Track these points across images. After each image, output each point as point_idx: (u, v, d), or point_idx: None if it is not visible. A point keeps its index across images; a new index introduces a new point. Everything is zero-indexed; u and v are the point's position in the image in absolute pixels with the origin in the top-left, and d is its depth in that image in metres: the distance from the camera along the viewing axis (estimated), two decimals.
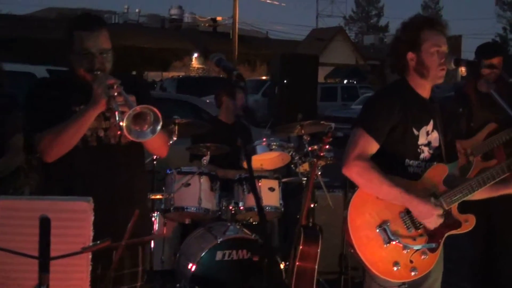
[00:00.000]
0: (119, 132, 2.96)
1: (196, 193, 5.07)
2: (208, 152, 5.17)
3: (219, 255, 4.84)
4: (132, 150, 3.03)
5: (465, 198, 3.12)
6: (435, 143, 3.27)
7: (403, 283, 3.10)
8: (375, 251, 3.02)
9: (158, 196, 5.11)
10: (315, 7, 54.48)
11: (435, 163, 3.22)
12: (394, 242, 3.01)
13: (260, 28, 54.16)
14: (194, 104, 7.77)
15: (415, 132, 3.19)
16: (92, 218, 2.05)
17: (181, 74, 34.85)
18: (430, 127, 3.24)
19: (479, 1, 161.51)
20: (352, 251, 3.10)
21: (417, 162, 3.22)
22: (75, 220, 2.05)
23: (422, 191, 3.09)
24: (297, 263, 4.38)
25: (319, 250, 4.37)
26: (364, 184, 3.06)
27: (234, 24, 36.77)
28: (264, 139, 5.30)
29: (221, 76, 32.75)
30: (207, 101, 19.25)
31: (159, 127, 2.69)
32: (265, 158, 5.28)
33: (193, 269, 4.75)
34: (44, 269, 2.06)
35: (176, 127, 5.11)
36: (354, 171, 3.05)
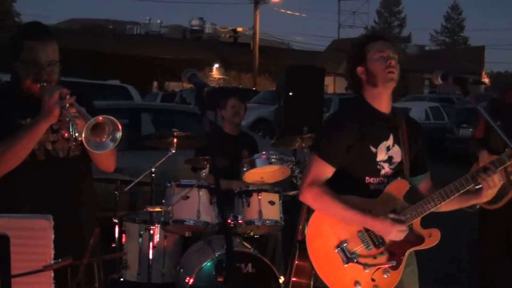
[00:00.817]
0: (73, 144, 2.91)
1: (195, 206, 5.01)
2: (207, 165, 5.14)
3: (216, 269, 4.79)
4: (80, 164, 2.98)
5: (428, 212, 3.03)
6: (397, 158, 3.20)
7: None
8: (335, 271, 3.00)
9: (157, 209, 5.08)
10: (336, 18, 53.93)
11: (395, 179, 3.15)
12: (353, 262, 2.98)
13: (281, 38, 54.06)
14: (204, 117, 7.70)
15: (373, 149, 3.13)
16: (53, 236, 2.01)
17: None
18: (390, 141, 3.18)
19: (502, 12, 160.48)
20: (313, 272, 3.08)
21: (378, 179, 3.16)
22: (35, 238, 2.01)
23: (382, 207, 3.04)
24: (292, 279, 4.30)
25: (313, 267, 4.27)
26: (320, 208, 3.06)
27: (254, 34, 36.97)
28: (264, 153, 5.27)
29: (240, 86, 32.92)
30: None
31: (118, 135, 2.63)
32: (265, 172, 5.23)
33: (190, 282, 4.70)
34: (6, 287, 2.03)
35: (175, 140, 5.10)
36: (308, 197, 3.07)
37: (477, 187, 3.00)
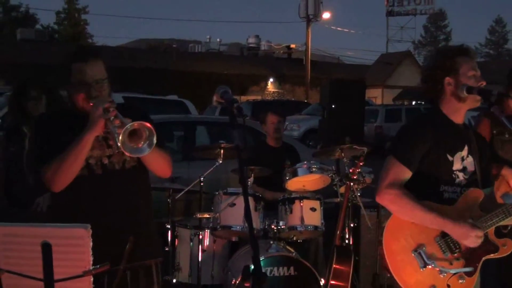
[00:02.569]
0: (128, 156, 2.87)
1: (240, 212, 5.02)
2: (252, 174, 5.16)
3: None
4: (137, 174, 2.96)
5: (502, 223, 2.95)
6: (471, 168, 3.11)
7: None
8: (412, 275, 2.88)
9: (206, 215, 5.12)
10: (385, 33, 53.29)
11: (471, 188, 3.05)
12: (430, 266, 2.86)
13: (332, 53, 53.75)
14: (252, 128, 7.75)
15: (449, 158, 3.04)
16: (91, 243, 2.03)
17: (258, 97, 35.07)
18: (465, 152, 3.09)
19: None
20: (389, 275, 2.95)
21: (453, 188, 3.06)
22: (75, 246, 2.03)
23: (457, 215, 2.93)
24: (330, 282, 4.27)
25: (351, 270, 4.23)
26: (398, 211, 2.94)
27: (307, 50, 36.76)
28: (305, 162, 5.25)
29: (292, 99, 32.83)
30: (286, 122, 19.58)
31: (154, 140, 2.63)
32: (307, 180, 5.21)
33: (236, 285, 4.71)
34: None
35: (222, 151, 5.13)
36: (386, 199, 2.94)
37: None
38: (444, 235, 2.91)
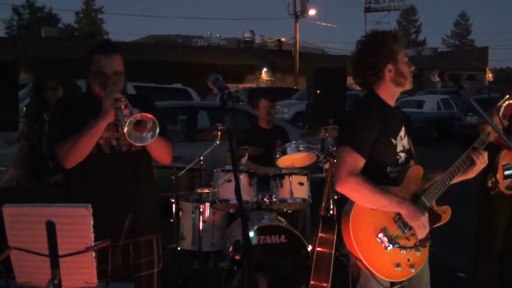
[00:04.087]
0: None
1: None
2: (246, 153, 5.04)
3: (254, 240, 4.66)
4: (141, 157, 2.85)
5: (441, 192, 2.83)
6: (407, 146, 2.96)
7: (403, 281, 2.84)
8: (379, 258, 2.72)
9: (206, 190, 5.02)
10: (363, 28, 52.88)
11: (410, 164, 2.91)
12: (393, 247, 2.72)
13: (317, 46, 53.39)
14: (247, 112, 7.62)
15: (393, 141, 2.87)
16: (92, 222, 1.90)
17: (253, 85, 34.89)
18: (402, 132, 2.93)
19: (505, 16, 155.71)
20: (357, 261, 2.76)
21: (397, 168, 2.88)
22: (77, 224, 1.91)
23: (405, 193, 2.79)
24: (316, 249, 4.15)
25: (335, 238, 4.12)
26: (359, 198, 2.72)
27: (295, 43, 36.58)
28: (294, 142, 5.14)
29: (283, 86, 32.72)
30: (277, 106, 19.60)
31: (157, 131, 2.54)
32: (295, 158, 5.10)
33: (232, 251, 4.61)
34: (55, 265, 1.94)
35: (219, 133, 5.01)
36: (347, 188, 2.71)
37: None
38: (400, 216, 2.75)
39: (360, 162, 2.74)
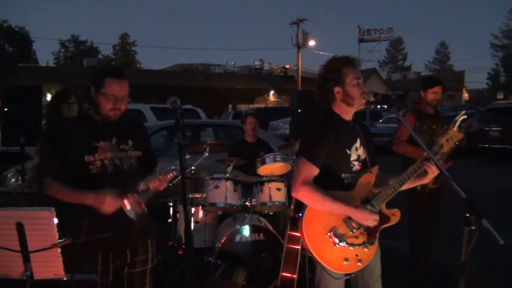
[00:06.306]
0: (134, 161, 2.74)
1: (223, 193, 4.92)
2: (231, 163, 5.04)
3: (237, 238, 4.66)
4: (138, 174, 2.74)
5: (391, 197, 2.77)
6: (363, 156, 2.90)
7: (352, 273, 2.82)
8: (328, 253, 2.70)
9: (197, 195, 5.02)
10: (357, 55, 52.88)
11: (364, 172, 2.86)
12: (341, 244, 2.70)
13: (317, 72, 53.33)
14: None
15: (348, 151, 2.82)
16: (55, 222, 1.90)
17: (262, 105, 34.94)
18: (358, 144, 2.87)
19: (479, 44, 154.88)
20: (310, 255, 2.77)
21: (351, 175, 2.84)
22: (42, 224, 1.91)
23: (357, 198, 2.77)
24: (286, 245, 4.12)
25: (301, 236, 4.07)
26: (312, 204, 2.71)
27: (298, 70, 36.61)
28: (271, 153, 5.12)
29: (287, 106, 32.78)
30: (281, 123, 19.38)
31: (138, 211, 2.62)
32: (274, 167, 5.06)
33: (219, 247, 4.61)
34: (26, 260, 1.94)
35: (208, 147, 5.02)
36: (301, 195, 2.70)
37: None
38: (350, 217, 2.73)
39: (314, 171, 2.72)
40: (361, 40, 56.30)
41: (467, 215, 2.10)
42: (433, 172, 2.71)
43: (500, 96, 42.69)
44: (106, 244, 2.45)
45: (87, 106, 2.74)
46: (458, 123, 2.68)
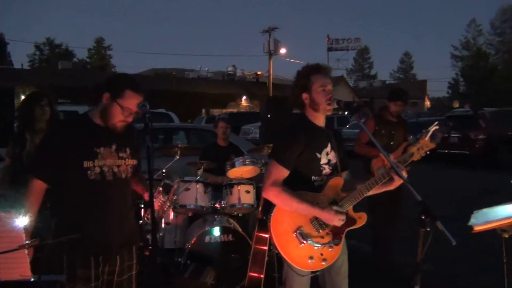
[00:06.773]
0: (130, 169, 2.69)
1: (193, 195, 4.89)
2: (202, 166, 5.01)
3: (207, 239, 4.64)
4: (130, 182, 2.73)
5: (358, 201, 2.79)
6: (334, 160, 2.93)
7: (317, 271, 2.84)
8: (294, 251, 2.72)
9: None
10: (326, 63, 53.29)
11: (333, 176, 2.87)
12: (306, 242, 2.72)
13: (287, 78, 53.68)
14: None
15: (318, 155, 2.84)
16: (22, 226, 1.87)
17: (234, 110, 34.89)
18: (328, 148, 2.89)
19: (440, 55, 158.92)
20: (276, 252, 2.77)
21: (321, 177, 2.86)
22: (7, 227, 1.87)
23: (325, 199, 2.78)
24: (254, 246, 4.11)
25: (268, 237, 4.08)
26: (280, 203, 2.73)
27: (269, 76, 36.70)
28: (241, 157, 5.11)
29: (258, 111, 32.83)
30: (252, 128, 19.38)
31: None
32: (243, 170, 5.06)
33: (189, 248, 4.57)
34: None
35: (179, 150, 4.98)
36: (271, 195, 2.72)
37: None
38: (316, 218, 2.76)
39: (284, 173, 2.74)
40: (330, 49, 56.87)
41: (422, 217, 2.15)
42: (399, 179, 2.71)
43: (456, 105, 43.76)
44: (98, 249, 2.50)
45: (89, 108, 2.66)
46: (430, 133, 2.69)
